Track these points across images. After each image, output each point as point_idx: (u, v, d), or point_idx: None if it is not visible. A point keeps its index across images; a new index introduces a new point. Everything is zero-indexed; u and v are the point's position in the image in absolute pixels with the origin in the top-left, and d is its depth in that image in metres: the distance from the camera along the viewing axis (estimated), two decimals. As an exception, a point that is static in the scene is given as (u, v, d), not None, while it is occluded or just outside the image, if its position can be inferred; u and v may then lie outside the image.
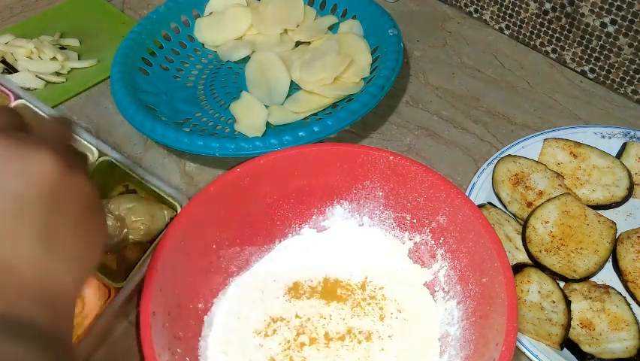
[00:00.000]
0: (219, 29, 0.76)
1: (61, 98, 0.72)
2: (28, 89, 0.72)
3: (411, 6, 0.83)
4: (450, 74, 0.72)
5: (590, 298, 0.48)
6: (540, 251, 0.51)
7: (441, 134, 0.65)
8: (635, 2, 0.60)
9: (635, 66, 0.64)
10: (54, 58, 0.74)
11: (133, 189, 0.56)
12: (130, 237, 0.50)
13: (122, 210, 0.50)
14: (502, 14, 0.75)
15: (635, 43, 0.62)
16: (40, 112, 0.50)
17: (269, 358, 0.44)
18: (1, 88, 0.50)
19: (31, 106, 0.49)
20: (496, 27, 0.77)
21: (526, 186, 0.56)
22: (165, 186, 0.52)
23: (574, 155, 0.58)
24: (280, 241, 0.52)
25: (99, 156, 0.52)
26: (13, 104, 0.49)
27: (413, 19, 0.80)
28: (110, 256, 0.53)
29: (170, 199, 0.51)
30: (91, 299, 0.52)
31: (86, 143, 0.50)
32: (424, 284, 0.49)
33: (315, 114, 0.65)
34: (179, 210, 0.51)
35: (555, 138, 0.59)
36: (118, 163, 0.51)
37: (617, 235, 0.52)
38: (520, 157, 0.58)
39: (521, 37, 0.75)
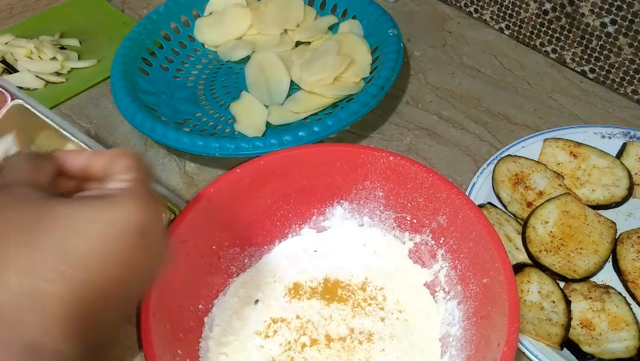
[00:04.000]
0: (219, 29, 0.76)
1: (61, 98, 0.72)
2: (28, 89, 0.72)
3: (411, 6, 0.83)
4: (450, 74, 0.72)
5: (590, 298, 0.48)
6: (540, 251, 0.51)
7: (441, 135, 0.65)
8: (635, 2, 0.60)
9: (635, 66, 0.64)
10: (54, 58, 0.74)
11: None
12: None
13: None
14: (502, 14, 0.75)
15: (635, 43, 0.62)
16: (38, 112, 0.49)
17: (270, 359, 0.44)
18: None
19: (28, 106, 0.49)
20: (496, 27, 0.77)
21: (526, 186, 0.56)
22: (164, 189, 0.52)
23: (574, 155, 0.58)
24: (280, 242, 0.52)
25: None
26: (10, 104, 0.48)
27: (413, 19, 0.80)
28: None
29: (168, 202, 0.51)
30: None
31: (82, 145, 0.50)
32: (424, 284, 0.49)
33: (315, 114, 0.65)
34: (177, 212, 0.51)
35: (555, 138, 0.59)
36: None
37: (617, 235, 0.52)
38: (520, 157, 0.58)
39: (521, 37, 0.75)
